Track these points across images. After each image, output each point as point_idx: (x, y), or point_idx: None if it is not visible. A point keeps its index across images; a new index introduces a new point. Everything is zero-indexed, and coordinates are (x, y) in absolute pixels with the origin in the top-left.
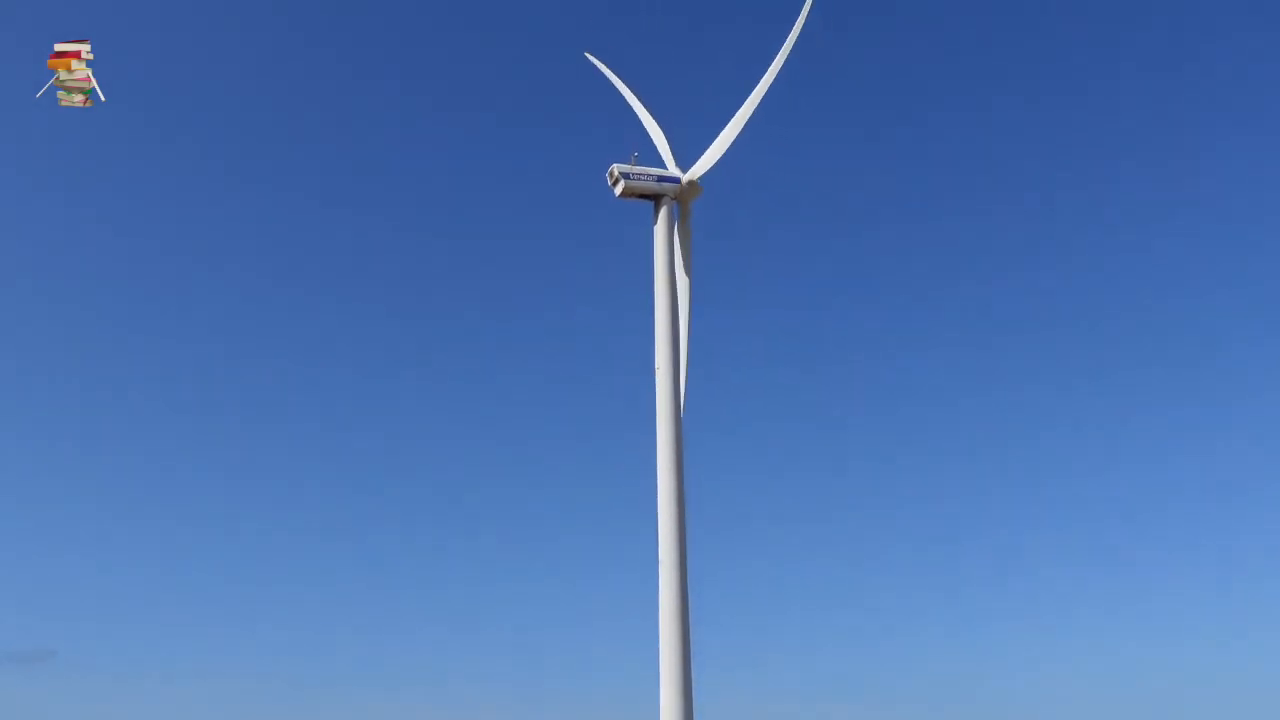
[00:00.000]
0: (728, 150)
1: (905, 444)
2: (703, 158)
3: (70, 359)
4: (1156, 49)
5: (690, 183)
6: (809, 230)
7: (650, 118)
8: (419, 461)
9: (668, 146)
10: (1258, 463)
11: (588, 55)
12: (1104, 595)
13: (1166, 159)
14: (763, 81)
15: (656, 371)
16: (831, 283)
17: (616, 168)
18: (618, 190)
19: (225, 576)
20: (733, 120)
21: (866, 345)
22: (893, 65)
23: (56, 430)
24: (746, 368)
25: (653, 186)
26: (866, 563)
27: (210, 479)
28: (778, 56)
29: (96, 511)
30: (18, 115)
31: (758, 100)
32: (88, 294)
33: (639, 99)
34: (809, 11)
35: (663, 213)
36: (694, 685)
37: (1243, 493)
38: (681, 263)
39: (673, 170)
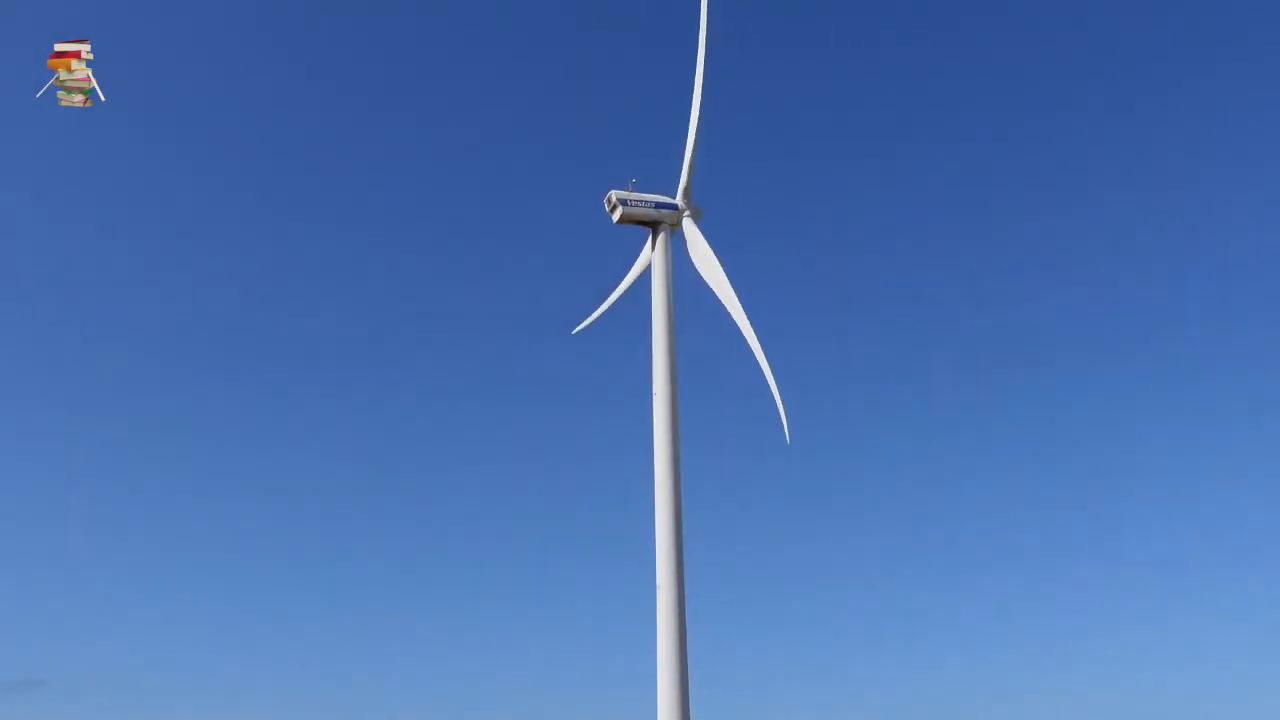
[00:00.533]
0: (697, 165)
1: (910, 465)
2: (681, 176)
3: (66, 367)
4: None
5: (688, 205)
6: (814, 249)
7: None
8: (415, 483)
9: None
10: None
11: (575, 332)
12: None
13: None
14: (695, 91)
15: (654, 396)
16: (834, 306)
17: (614, 194)
18: (615, 217)
19: (216, 603)
20: (689, 134)
21: (867, 367)
22: (901, 76)
23: (46, 453)
24: (746, 391)
25: (650, 213)
26: (869, 586)
27: (202, 505)
28: (698, 61)
29: (86, 538)
30: (18, 115)
31: (697, 108)
32: (87, 297)
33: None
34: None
35: (661, 239)
36: (691, 713)
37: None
38: (714, 280)
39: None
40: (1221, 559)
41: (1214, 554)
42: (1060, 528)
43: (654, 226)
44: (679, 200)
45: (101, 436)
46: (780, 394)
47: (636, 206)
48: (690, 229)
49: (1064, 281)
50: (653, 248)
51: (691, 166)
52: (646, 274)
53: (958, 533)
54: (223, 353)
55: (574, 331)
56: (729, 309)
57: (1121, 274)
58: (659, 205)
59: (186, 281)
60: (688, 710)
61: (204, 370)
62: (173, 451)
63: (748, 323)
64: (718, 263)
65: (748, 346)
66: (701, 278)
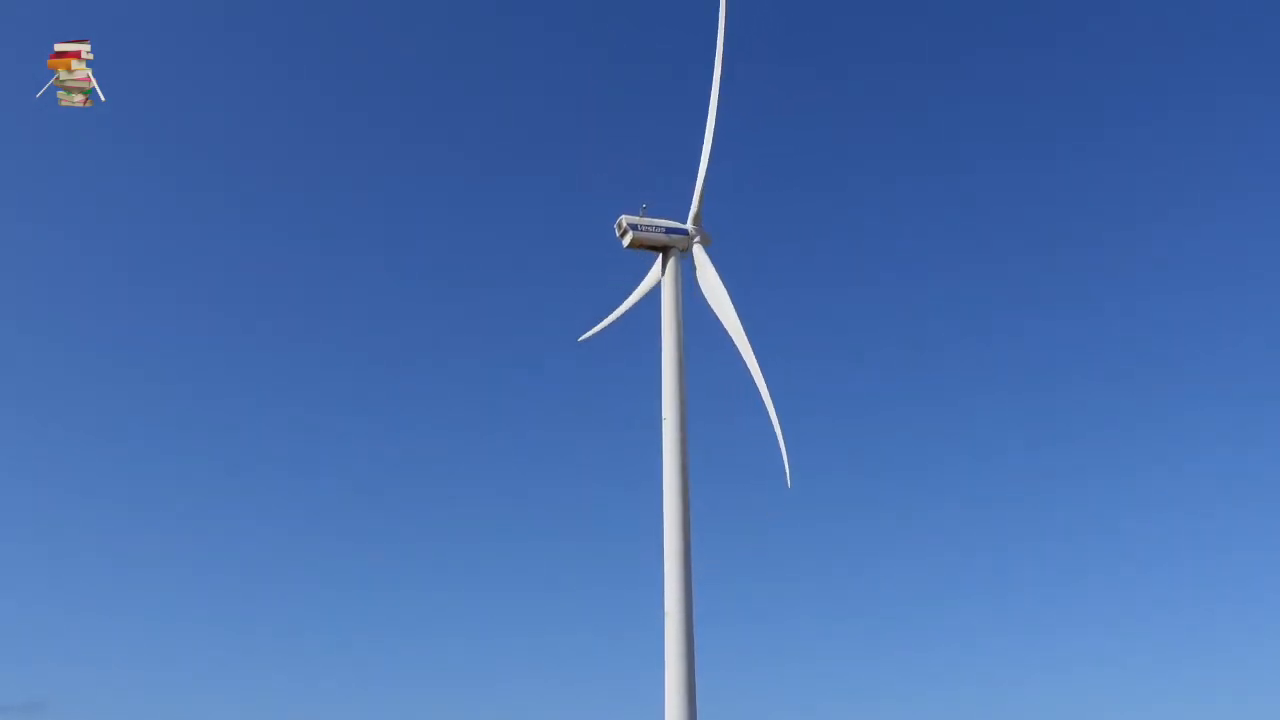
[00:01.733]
0: (708, 191)
1: (923, 486)
2: (692, 202)
3: (64, 377)
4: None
5: (698, 231)
6: (823, 274)
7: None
8: (421, 503)
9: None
10: None
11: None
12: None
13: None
14: (710, 114)
15: (664, 422)
16: (845, 330)
17: (625, 219)
18: (626, 241)
19: (219, 625)
20: (702, 159)
21: (878, 388)
22: (914, 100)
23: (46, 472)
24: (756, 415)
25: (661, 238)
26: (879, 606)
27: (205, 525)
28: (713, 87)
29: (87, 560)
30: (18, 115)
31: (711, 132)
32: (86, 299)
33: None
34: (725, 37)
35: (670, 264)
36: None
37: None
38: (721, 307)
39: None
40: (1238, 577)
41: (1226, 570)
42: (1070, 547)
43: (664, 251)
44: (689, 226)
45: (103, 454)
46: (784, 437)
47: (647, 231)
48: (700, 256)
49: (1080, 301)
50: (662, 272)
51: (702, 193)
52: (655, 295)
53: (971, 553)
54: (226, 364)
55: (579, 339)
56: (735, 340)
57: (1130, 297)
58: (669, 230)
59: (186, 284)
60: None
61: (208, 383)
62: (176, 471)
63: (753, 357)
64: (725, 292)
65: (753, 377)
66: (709, 305)
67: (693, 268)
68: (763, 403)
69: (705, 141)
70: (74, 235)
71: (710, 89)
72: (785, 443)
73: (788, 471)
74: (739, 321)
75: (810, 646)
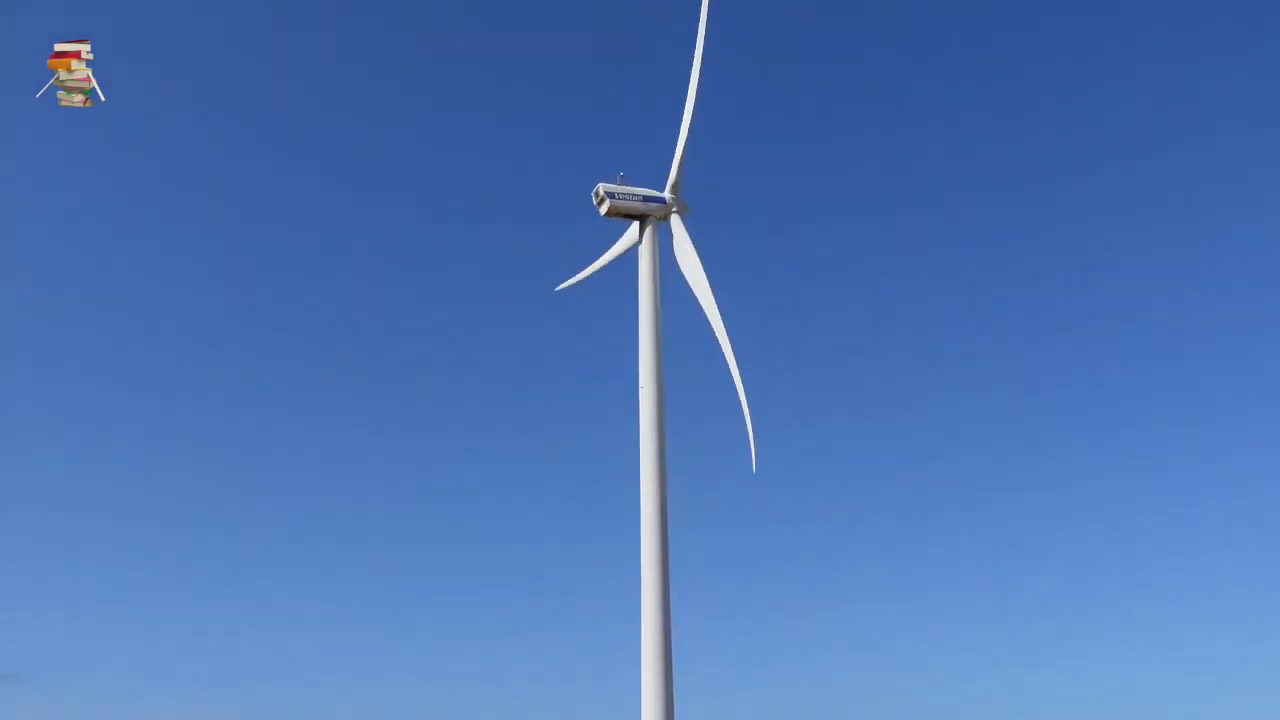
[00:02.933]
0: (686, 159)
1: (901, 460)
2: (671, 172)
3: (61, 366)
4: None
5: (676, 200)
6: (802, 239)
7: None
8: (398, 474)
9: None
10: None
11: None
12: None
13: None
14: (691, 85)
15: (641, 390)
16: (827, 297)
17: (602, 187)
18: (603, 210)
19: (187, 594)
20: (681, 130)
21: (862, 356)
22: (888, 65)
23: (17, 447)
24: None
25: (638, 206)
26: (857, 584)
27: (173, 497)
28: (695, 57)
29: (55, 532)
30: (18, 115)
31: (692, 103)
32: (86, 297)
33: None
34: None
35: (648, 232)
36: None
37: None
38: (695, 279)
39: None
40: (1220, 568)
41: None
42: (1062, 543)
43: (641, 219)
44: (667, 195)
45: (77, 431)
46: (752, 418)
47: (624, 199)
48: (676, 226)
49: (1066, 282)
50: (639, 241)
51: (681, 162)
52: (632, 263)
53: (948, 530)
54: (217, 350)
55: (558, 289)
56: (708, 314)
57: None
58: (647, 199)
59: (185, 280)
60: (671, 711)
61: (194, 368)
62: (145, 444)
63: (725, 332)
64: (700, 265)
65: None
66: (684, 277)
67: (670, 236)
68: (733, 383)
69: (686, 110)
70: (74, 235)
71: (691, 57)
72: (753, 426)
73: (754, 455)
74: (713, 296)
75: (789, 619)
